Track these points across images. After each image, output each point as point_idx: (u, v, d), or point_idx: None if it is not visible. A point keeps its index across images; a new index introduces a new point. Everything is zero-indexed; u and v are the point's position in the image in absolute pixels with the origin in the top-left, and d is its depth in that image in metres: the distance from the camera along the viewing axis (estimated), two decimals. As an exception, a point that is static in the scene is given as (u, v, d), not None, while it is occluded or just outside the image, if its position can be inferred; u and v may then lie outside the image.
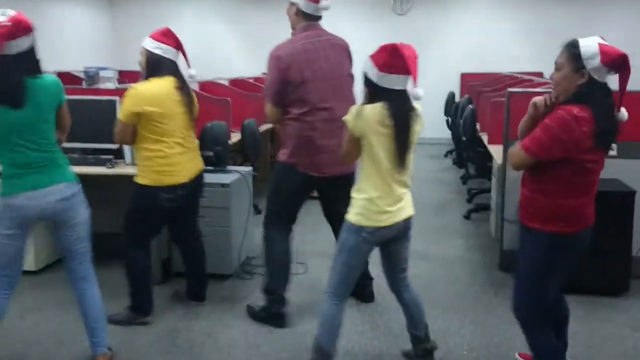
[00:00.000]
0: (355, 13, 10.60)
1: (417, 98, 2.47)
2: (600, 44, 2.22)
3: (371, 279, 3.65)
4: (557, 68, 2.31)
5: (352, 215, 2.57)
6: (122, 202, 3.36)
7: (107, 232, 3.61)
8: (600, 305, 3.60)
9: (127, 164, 3.97)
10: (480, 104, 6.36)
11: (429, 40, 10.47)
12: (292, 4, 3.29)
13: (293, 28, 3.33)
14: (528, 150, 2.30)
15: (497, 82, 7.89)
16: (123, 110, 3.08)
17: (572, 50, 2.25)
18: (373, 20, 10.57)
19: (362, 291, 3.57)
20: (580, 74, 2.23)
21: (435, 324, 3.38)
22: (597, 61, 2.20)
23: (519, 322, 2.55)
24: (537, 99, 2.38)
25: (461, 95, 9.50)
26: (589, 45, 2.22)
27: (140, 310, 3.35)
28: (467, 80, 9.68)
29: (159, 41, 3.14)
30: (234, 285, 3.91)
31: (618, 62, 2.20)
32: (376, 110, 2.45)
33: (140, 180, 3.17)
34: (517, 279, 2.56)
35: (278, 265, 3.38)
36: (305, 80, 3.17)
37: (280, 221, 3.38)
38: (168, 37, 3.17)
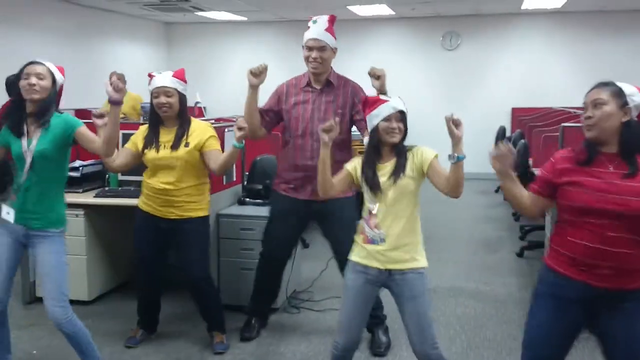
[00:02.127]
0: (405, 50, 10.65)
1: None
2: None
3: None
4: (599, 103, 2.11)
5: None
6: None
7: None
8: None
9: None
10: (532, 138, 6.24)
11: (478, 75, 10.41)
12: (334, 49, 3.38)
13: (327, 72, 3.39)
14: None
15: (548, 117, 7.75)
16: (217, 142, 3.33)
17: (612, 87, 2.14)
18: (422, 55, 10.59)
19: None
20: (624, 111, 2.12)
21: (487, 365, 3.28)
22: (638, 98, 2.12)
23: None
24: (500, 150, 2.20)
25: (512, 130, 9.36)
26: (624, 85, 2.15)
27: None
28: (518, 115, 9.54)
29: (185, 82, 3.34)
30: (281, 319, 3.89)
31: None
32: None
33: (206, 212, 3.38)
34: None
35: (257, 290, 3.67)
36: None
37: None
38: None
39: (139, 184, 4.20)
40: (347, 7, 9.10)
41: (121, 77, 7.62)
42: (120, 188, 4.22)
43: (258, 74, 3.27)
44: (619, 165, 2.11)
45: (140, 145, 3.31)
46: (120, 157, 3.28)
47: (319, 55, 3.30)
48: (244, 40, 11.42)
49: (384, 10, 9.56)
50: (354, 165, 2.61)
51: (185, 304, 3.95)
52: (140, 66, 10.96)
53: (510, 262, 5.35)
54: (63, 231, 2.85)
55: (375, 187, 2.48)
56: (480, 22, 10.35)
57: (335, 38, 3.36)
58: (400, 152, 2.52)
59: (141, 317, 3.59)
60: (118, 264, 4.39)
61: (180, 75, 3.31)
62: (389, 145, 2.51)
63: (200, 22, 11.28)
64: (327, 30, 3.30)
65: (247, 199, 4.21)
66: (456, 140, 2.35)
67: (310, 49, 3.32)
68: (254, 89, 3.32)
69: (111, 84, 2.78)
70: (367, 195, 2.53)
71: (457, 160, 2.35)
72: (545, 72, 10.17)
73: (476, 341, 3.63)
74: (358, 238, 2.56)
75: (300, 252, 4.40)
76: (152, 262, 3.42)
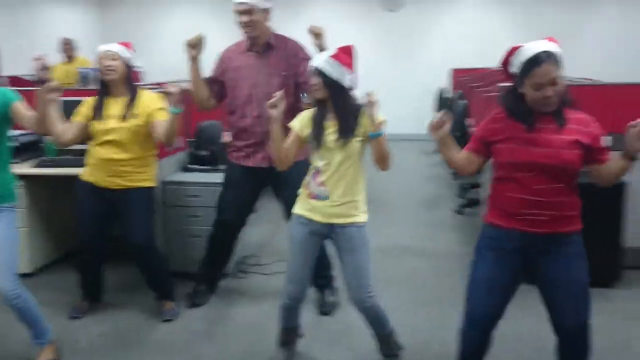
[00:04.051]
0: (345, 11, 10.61)
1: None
2: None
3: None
4: (556, 82, 2.17)
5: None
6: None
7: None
8: (592, 296, 3.62)
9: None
10: (472, 99, 6.40)
11: (419, 37, 10.51)
12: (266, 10, 3.33)
13: (263, 34, 3.35)
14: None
15: (487, 77, 7.91)
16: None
17: (556, 59, 2.20)
18: (364, 18, 10.58)
19: None
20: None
21: (432, 318, 3.43)
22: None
23: (583, 334, 2.37)
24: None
25: (453, 91, 9.54)
26: (552, 44, 2.23)
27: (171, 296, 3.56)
28: (458, 76, 9.72)
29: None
30: (230, 284, 3.93)
31: None
32: None
33: (151, 183, 3.38)
34: (583, 294, 2.33)
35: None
36: None
37: None
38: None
39: (77, 152, 4.11)
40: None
41: (69, 42, 7.35)
42: (58, 157, 4.10)
43: (195, 45, 3.23)
44: (550, 122, 2.24)
45: (90, 116, 3.27)
46: (70, 132, 3.23)
47: (249, 18, 3.27)
48: (182, 3, 11.09)
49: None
50: (300, 124, 2.65)
51: (133, 274, 3.92)
52: (73, 31, 10.52)
53: (450, 219, 5.54)
54: (14, 205, 2.80)
55: (318, 144, 2.57)
56: (420, -17, 10.41)
57: None
58: (346, 110, 2.55)
59: (83, 288, 3.56)
60: (60, 235, 4.30)
61: (126, 45, 3.32)
62: (324, 102, 2.58)
63: (135, -18, 10.88)
64: None
65: (193, 166, 4.18)
66: (371, 119, 2.46)
67: (238, 13, 3.28)
68: (194, 60, 3.28)
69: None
70: (314, 152, 2.61)
71: (374, 137, 2.47)
72: (485, 32, 10.37)
73: (420, 295, 3.78)
74: (303, 191, 2.66)
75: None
76: (94, 233, 3.37)
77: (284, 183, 3.41)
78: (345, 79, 2.55)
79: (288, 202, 3.48)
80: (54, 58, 7.55)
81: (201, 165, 4.16)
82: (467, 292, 2.41)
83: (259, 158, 3.40)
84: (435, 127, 2.34)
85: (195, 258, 3.78)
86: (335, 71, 2.53)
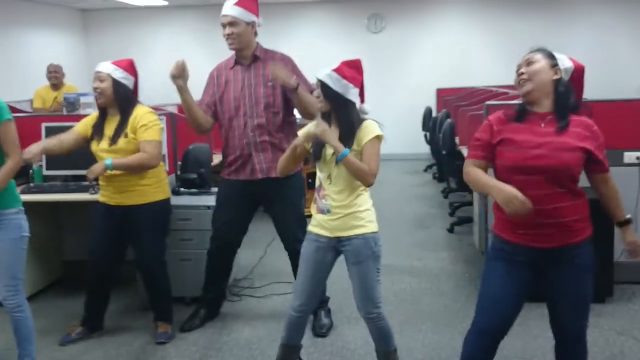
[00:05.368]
0: (331, 33, 10.70)
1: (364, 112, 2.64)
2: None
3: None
4: (531, 62, 2.25)
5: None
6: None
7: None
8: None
9: (95, 192, 3.93)
10: (458, 118, 6.45)
11: (403, 58, 10.63)
12: (250, 23, 3.33)
13: (247, 47, 3.35)
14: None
15: (472, 96, 8.02)
16: (158, 131, 3.26)
17: (544, 50, 2.29)
18: (348, 38, 10.68)
19: None
20: (554, 71, 2.25)
21: (426, 338, 3.41)
22: (569, 63, 2.27)
23: (581, 339, 2.39)
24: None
25: (438, 110, 9.62)
26: (556, 53, 2.30)
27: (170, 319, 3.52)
28: (443, 95, 9.81)
29: (128, 72, 3.29)
30: (223, 307, 3.87)
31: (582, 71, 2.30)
32: None
33: (161, 195, 3.33)
34: (585, 304, 2.33)
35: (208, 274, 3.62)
36: None
37: None
38: (133, 69, 3.35)
39: (64, 178, 4.08)
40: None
41: (58, 69, 7.26)
42: (46, 183, 4.06)
43: (179, 75, 3.22)
44: (550, 123, 2.23)
45: (89, 132, 3.31)
46: (70, 141, 3.30)
47: (232, 30, 3.29)
48: (166, 26, 11.13)
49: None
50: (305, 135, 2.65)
51: (127, 298, 3.88)
52: (57, 56, 10.50)
53: (441, 237, 5.55)
54: (20, 211, 2.80)
55: (318, 157, 2.60)
56: (404, 5, 10.55)
57: (253, 12, 3.31)
58: (347, 123, 2.56)
59: (86, 312, 3.49)
60: (48, 263, 4.24)
61: (120, 63, 3.28)
62: (328, 114, 2.60)
63: (119, 7, 10.88)
64: (237, 4, 3.28)
65: (182, 189, 4.15)
66: (331, 145, 2.50)
67: (222, 25, 3.31)
68: (182, 90, 3.26)
69: None
70: (316, 165, 2.64)
71: (338, 161, 2.50)
72: (467, 52, 10.50)
73: (413, 315, 3.76)
74: (313, 207, 2.69)
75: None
76: (103, 254, 3.34)
77: (275, 197, 3.40)
78: (349, 93, 2.56)
79: (277, 217, 3.47)
80: (40, 83, 7.51)
81: (190, 188, 4.13)
82: (478, 302, 2.39)
83: (248, 171, 3.39)
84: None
85: (188, 281, 3.74)
86: (336, 84, 2.54)
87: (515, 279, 2.29)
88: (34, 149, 3.06)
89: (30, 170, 4.17)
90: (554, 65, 2.26)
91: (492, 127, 2.30)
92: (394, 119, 10.33)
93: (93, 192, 3.83)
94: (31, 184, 4.06)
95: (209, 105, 3.45)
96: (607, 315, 3.63)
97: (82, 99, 5.26)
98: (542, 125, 2.23)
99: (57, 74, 7.21)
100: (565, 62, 2.28)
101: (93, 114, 3.42)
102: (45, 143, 3.28)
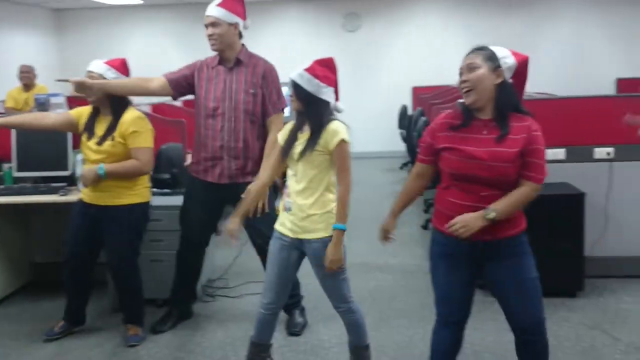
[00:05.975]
0: (306, 31, 10.69)
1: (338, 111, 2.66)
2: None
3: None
4: (472, 67, 2.23)
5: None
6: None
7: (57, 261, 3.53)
8: (556, 305, 3.69)
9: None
10: (432, 116, 6.48)
11: (379, 56, 10.65)
12: (233, 24, 3.31)
13: (230, 49, 3.33)
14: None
15: (447, 94, 8.06)
16: (150, 137, 3.25)
17: (485, 51, 2.27)
18: (324, 37, 10.68)
19: None
20: (497, 74, 2.23)
21: (401, 334, 3.42)
22: (512, 60, 2.25)
23: (540, 331, 2.41)
24: None
25: (414, 109, 9.67)
26: (497, 48, 2.29)
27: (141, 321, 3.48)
28: (419, 93, 9.86)
29: (121, 72, 3.27)
30: (196, 309, 3.85)
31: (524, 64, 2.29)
32: None
33: (137, 199, 3.27)
34: (534, 291, 2.35)
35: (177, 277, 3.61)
36: None
37: None
38: (126, 69, 3.34)
39: (35, 179, 4.01)
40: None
41: (30, 69, 7.19)
42: (15, 185, 3.98)
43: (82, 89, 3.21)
44: (492, 130, 2.24)
45: (82, 122, 3.28)
46: (58, 118, 3.31)
47: (213, 31, 3.27)
48: (141, 26, 11.03)
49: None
50: (282, 136, 2.70)
51: (101, 300, 3.83)
52: (30, 56, 10.34)
53: (416, 234, 5.57)
54: None
55: (285, 154, 2.61)
56: (380, 3, 10.58)
57: (237, 14, 3.29)
58: (316, 123, 2.56)
59: (67, 307, 3.46)
60: (15, 267, 4.16)
61: (113, 63, 3.24)
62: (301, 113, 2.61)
63: (93, 7, 10.76)
64: (221, 5, 3.26)
65: (154, 189, 4.10)
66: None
67: (206, 26, 3.30)
68: (100, 86, 3.21)
69: None
70: (286, 163, 2.67)
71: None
72: (442, 51, 10.55)
73: (388, 312, 3.77)
74: (280, 204, 2.72)
75: (213, 240, 4.35)
76: (76, 247, 3.31)
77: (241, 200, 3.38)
78: (321, 92, 2.55)
79: (247, 223, 3.44)
80: (13, 84, 7.41)
81: (162, 188, 4.09)
82: (434, 295, 2.47)
83: (216, 173, 3.37)
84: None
85: (158, 283, 3.70)
86: (307, 84, 2.54)
87: (461, 269, 2.36)
88: None
89: (1, 172, 4.10)
90: (496, 67, 2.23)
91: (434, 132, 2.37)
92: (371, 117, 10.40)
93: (63, 193, 3.78)
94: (1, 186, 3.98)
95: (176, 80, 3.39)
96: (578, 309, 3.67)
97: (53, 100, 5.17)
98: (485, 132, 2.25)
99: (29, 74, 7.15)
100: (508, 60, 2.25)
101: (88, 107, 3.35)
102: (6, 120, 3.26)
